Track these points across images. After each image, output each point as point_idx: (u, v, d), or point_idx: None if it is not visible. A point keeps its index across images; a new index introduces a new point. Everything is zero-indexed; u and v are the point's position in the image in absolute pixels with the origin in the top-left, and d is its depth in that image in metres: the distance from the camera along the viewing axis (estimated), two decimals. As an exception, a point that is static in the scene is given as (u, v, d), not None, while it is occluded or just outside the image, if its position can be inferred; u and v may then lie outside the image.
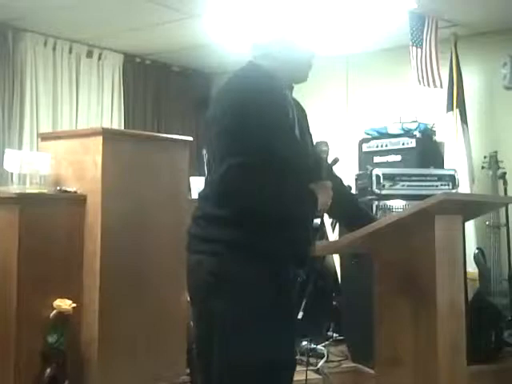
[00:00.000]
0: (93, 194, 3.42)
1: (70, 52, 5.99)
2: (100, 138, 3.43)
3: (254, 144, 2.12)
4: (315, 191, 2.21)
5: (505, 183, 4.71)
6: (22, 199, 3.24)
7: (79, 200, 3.42)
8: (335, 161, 2.41)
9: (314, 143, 2.37)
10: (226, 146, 2.15)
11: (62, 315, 3.17)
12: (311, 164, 2.30)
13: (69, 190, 3.41)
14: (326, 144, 2.33)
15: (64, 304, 3.18)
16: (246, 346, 2.15)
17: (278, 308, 2.22)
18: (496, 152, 5.21)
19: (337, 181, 2.50)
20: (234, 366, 2.17)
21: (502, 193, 4.83)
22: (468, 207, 2.50)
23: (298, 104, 2.43)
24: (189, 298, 2.33)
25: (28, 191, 3.27)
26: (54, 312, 3.17)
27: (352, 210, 2.54)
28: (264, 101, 2.18)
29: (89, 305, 3.35)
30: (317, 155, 2.31)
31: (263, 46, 2.38)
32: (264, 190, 2.14)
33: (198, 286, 2.24)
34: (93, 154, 3.44)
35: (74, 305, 3.21)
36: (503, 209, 4.61)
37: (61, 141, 3.63)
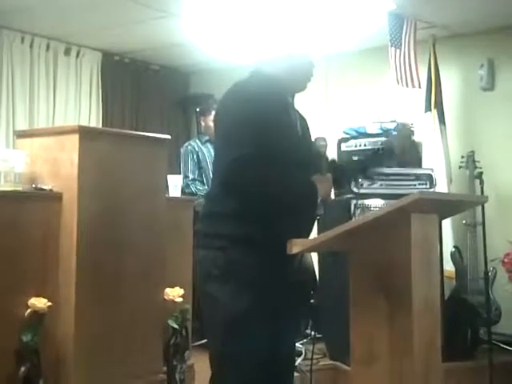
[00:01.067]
0: (69, 191, 3.38)
1: (48, 49, 5.93)
2: (77, 136, 3.40)
3: (256, 138, 2.26)
4: (315, 183, 2.36)
5: (481, 183, 4.75)
6: (-4, 197, 3.20)
7: (55, 198, 3.38)
8: (332, 161, 2.59)
9: (313, 139, 2.53)
10: (229, 142, 2.32)
11: (36, 314, 3.13)
12: (312, 158, 2.45)
13: (44, 187, 3.37)
14: (324, 139, 2.48)
15: (39, 302, 3.14)
16: (244, 338, 2.30)
17: (278, 302, 2.37)
18: (473, 152, 5.26)
19: None
20: (228, 354, 2.33)
21: (478, 192, 4.86)
22: (444, 206, 2.52)
23: (299, 113, 2.60)
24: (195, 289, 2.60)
25: (2, 189, 3.23)
26: (29, 311, 3.13)
27: None
28: (266, 101, 2.34)
29: (64, 303, 3.31)
30: (316, 150, 2.46)
31: (268, 54, 2.52)
32: (266, 179, 2.29)
33: (204, 278, 2.41)
34: (69, 151, 3.41)
35: (50, 303, 3.18)
36: (479, 208, 4.64)
37: (37, 138, 3.58)
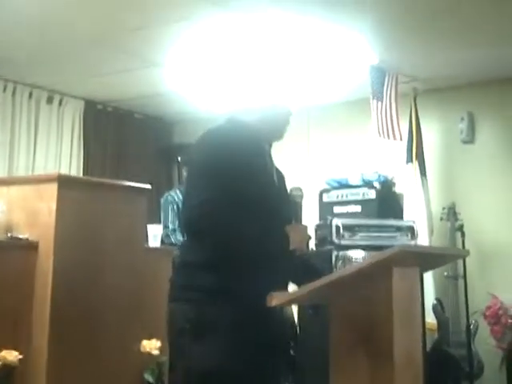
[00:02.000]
0: (45, 241, 3.32)
1: (30, 97, 5.92)
2: (55, 185, 3.36)
3: (227, 182, 2.19)
4: (288, 232, 2.27)
5: (462, 235, 4.76)
6: (-29, 246, 3.14)
7: (31, 247, 3.32)
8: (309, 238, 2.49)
9: (289, 189, 2.46)
10: (197, 185, 2.23)
11: (7, 367, 3.04)
12: (288, 208, 2.38)
13: (20, 236, 3.31)
14: (300, 189, 2.44)
15: (10, 355, 3.04)
16: None
17: (256, 356, 2.24)
18: (454, 204, 5.28)
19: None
20: None
21: (459, 244, 4.87)
22: (425, 259, 2.50)
23: (274, 164, 2.51)
24: (168, 344, 2.39)
25: (-23, 238, 3.17)
26: None
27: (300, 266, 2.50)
28: (240, 145, 2.28)
29: (37, 355, 3.21)
30: (292, 200, 2.41)
31: (242, 102, 2.48)
32: (237, 226, 2.20)
33: (175, 332, 2.28)
34: (47, 200, 3.36)
35: (21, 356, 3.08)
36: (461, 260, 4.64)
37: (15, 186, 3.54)
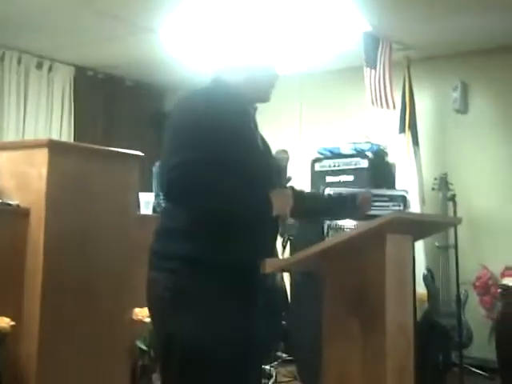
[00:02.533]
0: (36, 207, 3.30)
1: (19, 63, 5.85)
2: (46, 150, 3.32)
3: (206, 143, 2.08)
4: (271, 197, 2.16)
5: (454, 205, 4.76)
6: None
7: (22, 213, 3.29)
8: (288, 179, 2.39)
9: (274, 151, 2.36)
10: (174, 146, 2.11)
11: (-1, 333, 3.04)
12: (272, 172, 2.29)
13: (11, 202, 3.28)
14: (285, 151, 2.36)
15: (2, 322, 3.04)
16: (202, 366, 2.10)
17: (238, 327, 2.16)
18: (446, 174, 5.28)
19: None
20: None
21: (451, 214, 4.87)
22: (418, 227, 2.49)
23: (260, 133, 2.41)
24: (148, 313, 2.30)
25: (-33, 203, 3.14)
26: (-9, 330, 3.03)
27: (311, 204, 2.58)
28: (223, 107, 2.18)
29: (28, 322, 3.21)
30: (277, 163, 2.31)
31: (228, 61, 2.37)
32: (214, 190, 2.09)
33: (155, 301, 2.21)
34: (38, 166, 3.32)
35: (13, 323, 3.08)
36: (452, 230, 4.65)
37: (4, 152, 3.50)
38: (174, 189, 2.08)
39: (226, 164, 2.11)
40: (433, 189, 5.30)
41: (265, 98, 2.39)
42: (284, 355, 4.68)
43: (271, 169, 2.30)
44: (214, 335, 2.10)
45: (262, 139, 2.37)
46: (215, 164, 2.08)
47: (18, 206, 3.29)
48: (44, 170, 3.29)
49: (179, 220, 2.16)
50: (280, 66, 2.42)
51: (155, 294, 2.19)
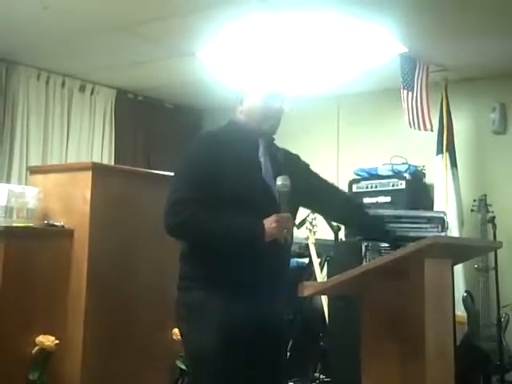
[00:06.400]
0: (80, 228, 3.39)
1: (63, 86, 5.99)
2: (89, 173, 3.42)
3: (200, 183, 2.34)
4: (261, 223, 2.32)
5: (494, 227, 4.71)
6: (8, 233, 3.20)
7: (66, 234, 3.38)
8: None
9: (276, 179, 2.44)
10: (175, 185, 2.40)
11: (44, 352, 3.11)
12: (266, 199, 2.40)
13: (56, 224, 3.37)
14: (286, 179, 2.40)
15: (47, 340, 3.11)
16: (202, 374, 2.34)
17: (249, 351, 2.34)
18: (485, 195, 5.23)
19: (342, 197, 2.84)
20: None
21: (490, 236, 4.83)
22: (457, 251, 2.49)
23: (280, 150, 2.59)
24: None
25: (14, 225, 3.23)
26: (37, 348, 3.11)
27: (364, 220, 2.80)
28: (219, 147, 2.40)
29: (72, 341, 3.28)
30: (277, 189, 2.40)
31: (236, 102, 2.60)
32: (202, 228, 2.35)
33: (176, 319, 2.49)
34: (82, 188, 3.42)
35: (57, 341, 3.15)
36: (492, 252, 4.60)
37: (50, 174, 3.61)
38: (169, 225, 2.36)
39: (214, 200, 2.33)
40: (472, 210, 5.25)
41: (269, 131, 2.53)
42: (322, 376, 4.67)
43: (266, 195, 2.41)
44: (218, 349, 2.30)
45: (278, 165, 2.49)
46: (206, 202, 2.32)
47: (62, 226, 3.39)
48: (88, 192, 3.39)
49: (182, 246, 2.49)
50: (287, 97, 2.55)
51: (176, 311, 2.47)
